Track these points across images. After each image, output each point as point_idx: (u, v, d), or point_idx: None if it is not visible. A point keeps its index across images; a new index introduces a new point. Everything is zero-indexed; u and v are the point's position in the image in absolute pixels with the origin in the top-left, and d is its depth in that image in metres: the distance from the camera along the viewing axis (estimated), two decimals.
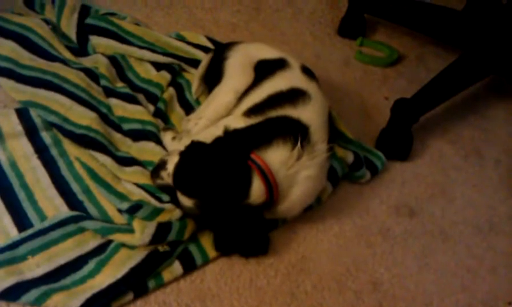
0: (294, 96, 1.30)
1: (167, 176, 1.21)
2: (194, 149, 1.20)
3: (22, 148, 1.30)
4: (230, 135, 1.24)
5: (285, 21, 1.94)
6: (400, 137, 1.53)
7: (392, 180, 1.50)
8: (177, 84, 1.57)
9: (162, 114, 1.46)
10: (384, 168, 1.50)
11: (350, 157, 1.43)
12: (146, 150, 1.34)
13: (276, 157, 1.19)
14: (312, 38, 1.90)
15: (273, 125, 1.26)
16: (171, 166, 1.20)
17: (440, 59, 1.89)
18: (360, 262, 1.30)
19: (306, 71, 1.40)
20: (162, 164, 1.23)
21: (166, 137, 1.37)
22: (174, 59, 1.60)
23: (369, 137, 1.56)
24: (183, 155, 1.20)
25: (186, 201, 1.17)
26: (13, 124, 1.33)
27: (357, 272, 1.27)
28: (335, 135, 1.42)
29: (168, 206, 1.22)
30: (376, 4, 1.90)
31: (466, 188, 1.54)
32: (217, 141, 1.22)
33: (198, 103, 1.53)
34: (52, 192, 1.24)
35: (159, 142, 1.36)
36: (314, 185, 1.25)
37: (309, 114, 1.27)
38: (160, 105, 1.48)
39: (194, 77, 1.58)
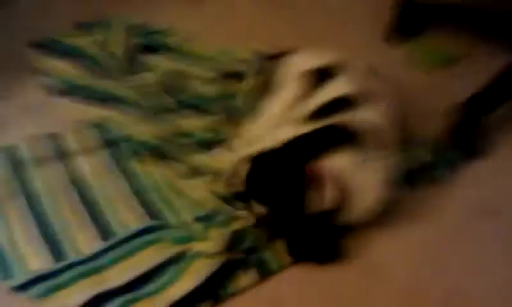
0: (355, 99, 1.29)
1: (239, 183, 1.23)
2: (264, 157, 1.22)
3: (103, 161, 1.38)
4: (295, 142, 1.25)
5: (335, 28, 1.93)
6: (474, 134, 1.49)
7: (470, 178, 1.44)
8: (229, 96, 1.59)
9: (219, 126, 1.49)
10: (461, 167, 1.46)
11: (425, 158, 1.42)
12: (216, 159, 1.38)
13: (342, 162, 1.19)
14: (364, 44, 1.87)
15: (338, 129, 1.25)
16: (242, 174, 1.22)
17: (496, 58, 1.81)
18: (437, 269, 1.25)
19: (370, 73, 1.40)
20: (234, 172, 1.25)
21: (232, 146, 1.41)
22: (223, 72, 1.64)
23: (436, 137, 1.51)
24: (253, 162, 1.22)
25: (259, 208, 1.19)
26: (91, 139, 1.41)
27: (434, 278, 1.23)
28: (407, 137, 1.40)
29: (242, 213, 1.24)
30: (429, 7, 1.87)
31: None
32: (285, 147, 1.23)
33: (252, 113, 1.52)
34: (133, 202, 1.30)
35: (226, 151, 1.41)
36: (383, 188, 1.24)
37: (373, 116, 1.26)
38: (215, 117, 1.51)
39: (244, 88, 1.59)
